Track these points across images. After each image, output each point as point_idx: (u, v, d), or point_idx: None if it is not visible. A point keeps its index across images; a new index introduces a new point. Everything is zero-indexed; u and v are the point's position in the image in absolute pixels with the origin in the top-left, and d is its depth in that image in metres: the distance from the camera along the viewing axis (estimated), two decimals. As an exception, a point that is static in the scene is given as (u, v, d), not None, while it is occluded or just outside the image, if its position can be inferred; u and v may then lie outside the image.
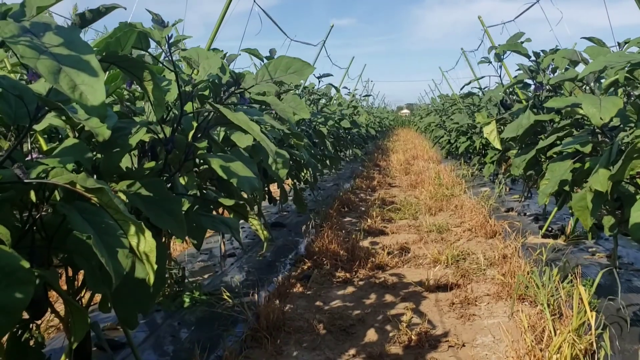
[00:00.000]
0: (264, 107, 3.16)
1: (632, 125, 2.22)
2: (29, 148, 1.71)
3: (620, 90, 2.50)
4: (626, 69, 2.06)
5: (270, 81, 1.81)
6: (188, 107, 1.80)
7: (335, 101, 9.25)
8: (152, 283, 1.38)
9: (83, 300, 1.97)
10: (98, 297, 1.87)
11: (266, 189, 4.50)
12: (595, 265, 3.48)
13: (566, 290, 2.86)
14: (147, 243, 1.27)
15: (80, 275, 1.82)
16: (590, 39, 2.89)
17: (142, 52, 1.78)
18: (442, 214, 6.01)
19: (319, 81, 6.73)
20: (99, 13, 1.36)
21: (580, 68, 3.11)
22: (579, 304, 2.33)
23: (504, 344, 2.58)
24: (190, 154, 1.87)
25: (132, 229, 1.28)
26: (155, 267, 1.30)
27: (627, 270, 3.31)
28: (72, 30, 1.08)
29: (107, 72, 1.64)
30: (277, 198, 4.88)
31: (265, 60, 4.07)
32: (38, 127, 1.63)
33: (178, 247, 4.41)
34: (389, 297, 3.33)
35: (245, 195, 3.01)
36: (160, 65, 1.95)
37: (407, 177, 9.14)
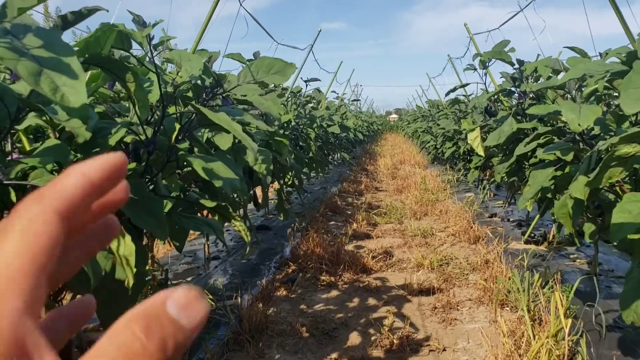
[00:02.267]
0: (247, 107, 3.17)
1: (612, 133, 2.26)
2: (11, 148, 1.70)
3: (602, 99, 2.54)
4: (606, 78, 2.10)
5: (253, 82, 1.82)
6: (170, 108, 1.80)
7: (323, 105, 9.26)
8: (131, 285, 1.38)
9: (64, 302, 1.96)
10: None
11: (252, 192, 4.50)
12: (575, 271, 3.52)
13: (546, 296, 2.89)
14: (126, 246, 1.27)
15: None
16: (572, 48, 2.93)
17: (126, 54, 1.78)
18: (427, 219, 6.05)
19: (307, 85, 6.74)
20: (81, 15, 1.36)
21: (562, 76, 3.15)
22: (556, 310, 2.36)
23: (484, 348, 2.61)
24: (172, 155, 1.87)
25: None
26: (135, 270, 1.30)
27: (607, 276, 3.35)
28: (53, 31, 1.09)
29: (88, 73, 1.64)
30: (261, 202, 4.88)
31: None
32: (20, 126, 1.63)
33: (161, 249, 4.40)
34: (372, 301, 3.34)
35: (231, 198, 3.01)
36: (144, 66, 1.95)
37: (394, 182, 9.18)
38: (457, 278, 3.73)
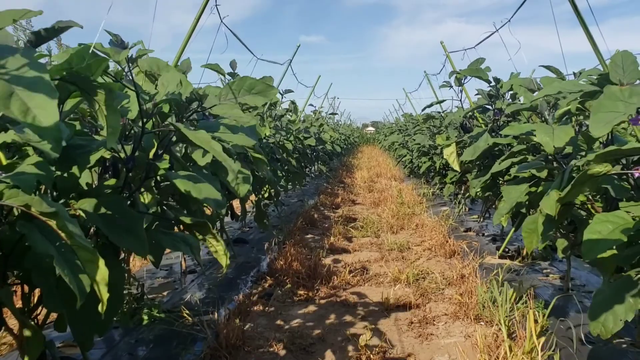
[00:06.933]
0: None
1: (583, 153, 2.32)
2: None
3: (573, 119, 2.62)
4: (578, 100, 2.17)
5: (234, 100, 1.82)
6: (149, 125, 1.80)
7: (300, 118, 9.29)
8: (105, 311, 1.35)
9: (39, 318, 1.93)
10: (54, 315, 1.84)
11: (229, 204, 4.49)
12: (548, 286, 3.58)
13: (520, 311, 2.93)
14: (100, 271, 1.26)
15: (36, 294, 1.79)
16: (548, 67, 3.01)
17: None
18: (403, 233, 6.09)
19: (282, 97, 6.77)
20: (54, 31, 1.35)
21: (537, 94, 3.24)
22: (531, 327, 2.40)
23: (460, 363, 2.63)
24: (151, 171, 1.86)
25: (87, 255, 1.27)
26: (107, 295, 1.29)
27: (580, 291, 3.42)
28: (27, 50, 1.08)
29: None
30: (240, 214, 4.87)
31: (226, 76, 4.08)
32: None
33: (137, 263, 4.35)
34: (349, 316, 3.35)
35: (209, 212, 3.00)
36: (121, 84, 1.94)
37: (371, 195, 9.23)
38: (433, 293, 3.76)
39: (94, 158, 1.55)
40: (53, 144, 1.13)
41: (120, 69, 2.00)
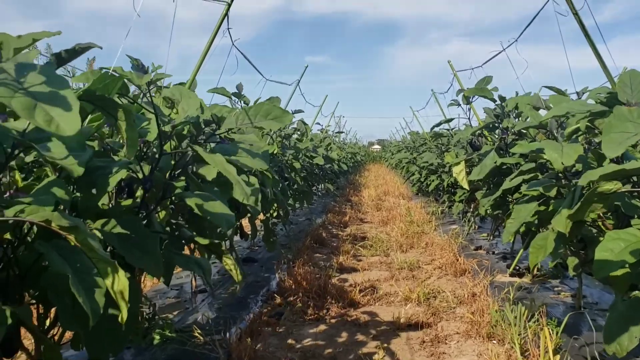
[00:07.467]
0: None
1: (593, 171, 2.33)
2: (8, 181, 1.71)
3: (581, 138, 2.63)
4: (587, 118, 2.19)
5: (250, 125, 1.86)
6: (167, 146, 1.83)
7: (308, 137, 9.35)
8: (125, 322, 1.38)
9: (54, 338, 1.95)
10: (68, 335, 1.86)
11: (238, 223, 4.50)
12: (560, 304, 3.57)
13: (532, 329, 2.92)
14: (120, 282, 1.29)
15: (51, 313, 1.81)
16: (551, 88, 3.04)
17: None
18: (413, 251, 6.08)
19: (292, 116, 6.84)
20: (74, 52, 1.40)
21: (543, 113, 3.26)
22: (545, 345, 2.39)
23: (473, 382, 2.62)
24: (168, 192, 1.89)
25: (106, 267, 1.30)
26: (128, 305, 1.31)
27: (592, 309, 3.40)
28: (48, 67, 1.13)
29: (90, 114, 1.67)
30: (249, 233, 4.88)
31: (232, 98, 4.16)
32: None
33: (148, 283, 4.36)
34: (360, 336, 3.34)
35: (217, 230, 3.02)
36: (139, 105, 1.98)
37: (379, 213, 9.22)
38: (444, 312, 3.74)
39: (113, 181, 1.58)
40: (78, 152, 1.18)
41: (138, 91, 2.05)
